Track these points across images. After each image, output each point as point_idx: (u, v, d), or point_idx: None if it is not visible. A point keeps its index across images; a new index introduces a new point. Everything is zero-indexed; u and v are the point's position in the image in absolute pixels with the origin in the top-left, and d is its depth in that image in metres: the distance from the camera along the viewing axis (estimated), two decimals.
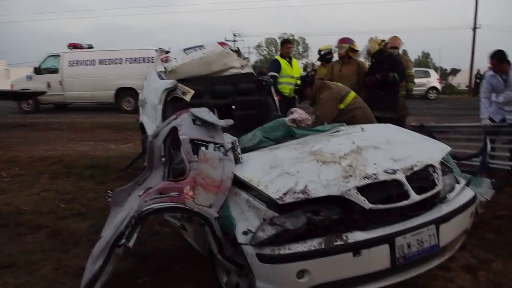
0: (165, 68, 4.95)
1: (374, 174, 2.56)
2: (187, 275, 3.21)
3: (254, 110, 5.09)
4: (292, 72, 6.48)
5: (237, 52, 5.47)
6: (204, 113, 3.19)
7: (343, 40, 6.23)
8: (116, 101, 13.70)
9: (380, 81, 5.55)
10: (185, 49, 5.22)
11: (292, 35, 56.83)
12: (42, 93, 11.98)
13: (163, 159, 3.25)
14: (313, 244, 2.32)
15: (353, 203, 2.44)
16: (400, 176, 2.58)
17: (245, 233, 2.43)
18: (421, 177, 2.69)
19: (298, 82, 6.69)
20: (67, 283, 3.18)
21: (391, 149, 2.96)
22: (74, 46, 14.52)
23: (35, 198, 5.31)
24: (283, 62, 6.47)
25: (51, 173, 6.22)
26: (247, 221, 2.47)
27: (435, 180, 2.71)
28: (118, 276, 2.84)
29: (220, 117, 4.76)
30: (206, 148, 2.84)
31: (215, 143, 2.90)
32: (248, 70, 5.51)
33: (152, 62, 12.96)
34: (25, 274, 3.32)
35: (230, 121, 3.25)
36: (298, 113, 4.04)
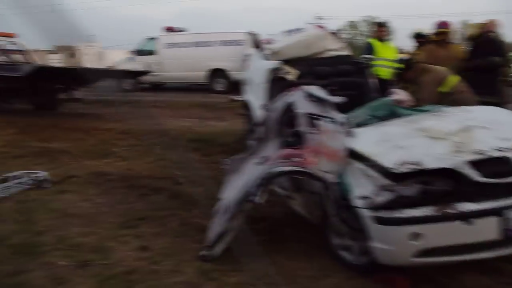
0: (268, 49, 5.32)
1: (485, 150, 2.73)
2: (298, 237, 3.58)
3: (352, 91, 5.29)
4: (387, 54, 6.54)
5: (335, 34, 5.69)
6: (317, 90, 3.50)
7: (442, 24, 6.15)
8: (208, 82, 14.48)
9: (484, 65, 5.47)
10: (286, 32, 5.56)
11: (377, 18, 54.88)
12: (148, 72, 12.94)
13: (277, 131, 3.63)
14: (426, 210, 2.57)
15: (463, 176, 2.64)
16: (510, 154, 2.72)
17: (361, 198, 2.74)
18: None
19: (394, 64, 6.75)
20: (194, 236, 3.70)
21: (499, 129, 3.07)
22: (169, 29, 15.51)
23: (152, 166, 6.03)
24: (377, 45, 6.54)
25: (162, 144, 6.95)
26: (362, 187, 2.78)
27: None
28: (235, 236, 3.23)
29: None
30: (321, 121, 3.17)
31: (329, 118, 3.21)
32: (346, 52, 5.71)
33: (243, 44, 13.63)
34: (157, 226, 3.91)
35: (343, 98, 3.52)
36: (400, 94, 4.21)
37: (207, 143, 6.78)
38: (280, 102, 3.59)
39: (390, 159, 2.74)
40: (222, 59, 13.91)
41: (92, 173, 5.63)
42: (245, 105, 5.75)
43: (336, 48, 5.55)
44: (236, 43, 13.90)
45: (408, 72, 4.83)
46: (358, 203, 2.74)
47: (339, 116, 3.25)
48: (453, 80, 4.61)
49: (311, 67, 5.24)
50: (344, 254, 3.07)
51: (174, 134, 7.39)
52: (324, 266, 3.08)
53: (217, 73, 14.27)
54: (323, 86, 5.19)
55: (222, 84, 14.27)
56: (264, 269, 3.03)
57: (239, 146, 6.58)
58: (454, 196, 2.64)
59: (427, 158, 2.70)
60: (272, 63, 4.94)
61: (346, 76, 5.33)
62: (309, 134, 3.00)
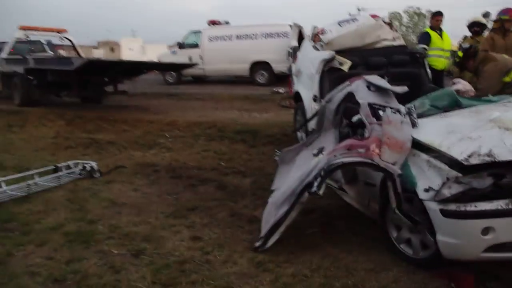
0: (321, 40, 5.17)
1: None
2: (352, 230, 3.45)
3: (407, 81, 5.07)
4: (442, 44, 6.24)
5: (390, 24, 5.47)
6: (378, 80, 3.34)
7: (504, 11, 5.77)
8: (251, 75, 14.42)
9: None
10: (339, 22, 5.39)
11: (419, 8, 53.09)
12: (194, 64, 12.99)
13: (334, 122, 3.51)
14: (499, 204, 2.39)
15: None
16: None
17: (426, 190, 2.58)
18: None
19: (447, 54, 6.42)
20: (244, 227, 3.64)
21: None
22: (213, 23, 15.54)
23: (197, 156, 6.04)
24: (433, 35, 6.25)
25: (207, 136, 6.96)
26: (428, 179, 2.61)
27: None
28: (287, 227, 3.14)
29: None
30: (384, 112, 3.01)
31: (391, 108, 3.05)
32: (401, 42, 5.49)
33: (286, 37, 13.45)
34: (207, 216, 3.87)
35: (405, 88, 3.35)
36: (462, 84, 4.00)
37: (253, 134, 6.72)
38: (340, 92, 3.46)
39: (458, 150, 2.57)
40: (265, 51, 13.78)
41: (139, 164, 5.70)
42: (296, 96, 5.64)
43: (391, 38, 5.35)
44: (280, 35, 13.74)
45: (469, 61, 4.57)
46: (423, 195, 2.58)
47: (402, 106, 3.09)
48: None
49: (365, 58, 5.07)
50: (404, 248, 2.92)
51: (220, 125, 7.36)
52: (381, 260, 2.94)
53: (260, 65, 14.16)
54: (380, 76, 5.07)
55: (265, 76, 14.16)
56: (319, 261, 2.93)
57: (285, 138, 6.50)
58: None
59: (499, 150, 2.50)
60: (325, 54, 4.80)
61: (402, 67, 5.12)
62: (372, 124, 2.85)
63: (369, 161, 2.58)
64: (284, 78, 14.71)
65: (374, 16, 5.51)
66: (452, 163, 2.55)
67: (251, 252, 3.09)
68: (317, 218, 3.75)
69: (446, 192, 2.46)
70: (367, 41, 5.26)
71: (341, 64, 4.80)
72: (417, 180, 2.65)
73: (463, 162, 2.49)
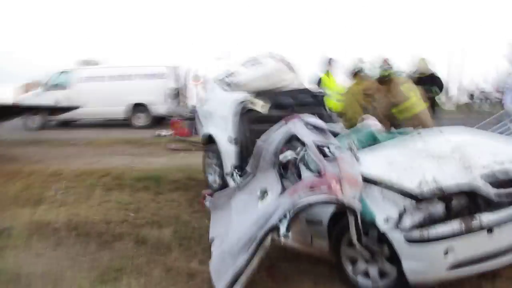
0: (230, 82, 5.24)
1: (489, 164, 2.91)
2: (299, 270, 3.44)
3: None
4: (330, 84, 6.81)
5: (289, 66, 5.80)
6: (314, 118, 3.48)
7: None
8: (128, 117, 13.81)
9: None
10: (243, 63, 5.53)
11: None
12: (77, 107, 11.85)
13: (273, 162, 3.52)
14: (453, 225, 2.63)
15: (477, 189, 2.76)
16: (510, 166, 2.94)
17: (386, 221, 2.72)
18: None
19: (336, 96, 7.01)
20: (188, 281, 3.37)
21: (483, 145, 3.31)
22: (84, 62, 14.63)
23: (100, 209, 5.44)
24: (325, 79, 6.81)
25: (103, 185, 6.34)
26: (384, 210, 2.77)
27: None
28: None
29: None
30: (328, 149, 3.14)
31: (334, 144, 3.19)
32: (300, 84, 5.84)
33: (163, 78, 13.30)
34: (141, 276, 3.49)
35: (342, 126, 3.54)
36: (372, 120, 4.35)
37: (155, 180, 6.33)
38: (277, 132, 3.50)
39: (408, 180, 2.79)
40: (142, 93, 13.41)
41: (31, 223, 4.91)
42: (206, 139, 5.54)
43: (293, 81, 5.66)
44: (156, 76, 13.53)
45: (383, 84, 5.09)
46: (384, 226, 2.72)
47: (345, 143, 3.26)
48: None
49: (274, 98, 5.26)
50: (361, 280, 3.02)
51: (115, 173, 6.81)
52: None
53: (137, 107, 13.68)
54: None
55: (143, 119, 13.71)
56: None
57: (192, 182, 6.29)
58: (473, 208, 2.75)
59: (443, 177, 2.79)
60: (240, 96, 4.87)
61: (306, 107, 5.43)
62: (324, 162, 2.93)
63: (334, 198, 2.63)
64: (163, 120, 14.51)
65: (277, 59, 5.77)
66: (404, 193, 2.76)
67: None
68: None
69: (410, 221, 2.63)
70: (272, 83, 5.48)
71: (254, 105, 4.90)
72: (374, 212, 2.79)
73: (417, 191, 2.70)
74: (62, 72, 14.25)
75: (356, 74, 6.75)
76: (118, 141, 11.04)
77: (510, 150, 3.22)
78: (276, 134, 3.51)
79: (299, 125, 3.39)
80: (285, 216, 2.66)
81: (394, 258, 2.78)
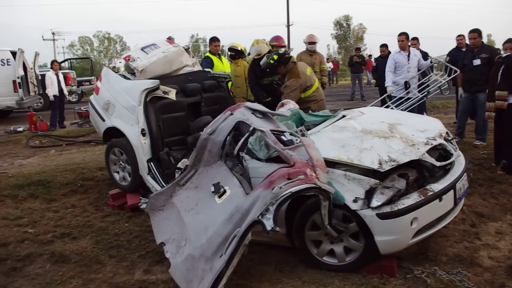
0: (133, 68, 4.77)
1: (429, 140, 3.25)
2: (264, 261, 3.38)
3: (217, 105, 5.27)
4: (224, 68, 6.67)
5: (187, 50, 5.53)
6: (260, 106, 3.39)
7: (277, 38, 6.53)
8: None
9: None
10: (142, 48, 5.09)
11: (108, 33, 54.80)
12: None
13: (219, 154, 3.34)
14: (414, 197, 2.89)
15: (424, 163, 3.07)
16: (442, 141, 3.33)
17: (355, 201, 2.86)
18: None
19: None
20: None
21: (409, 124, 3.64)
22: None
23: None
24: (214, 59, 6.63)
25: None
26: (351, 191, 2.90)
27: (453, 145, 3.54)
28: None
29: (192, 114, 4.92)
30: (284, 136, 3.11)
31: (288, 131, 3.17)
32: (199, 67, 5.64)
33: (8, 64, 11.40)
34: None
35: (289, 111, 3.51)
36: (292, 104, 4.42)
37: (44, 186, 5.48)
38: (224, 123, 3.31)
39: (368, 161, 2.95)
40: None
41: None
42: (108, 132, 4.97)
43: (191, 64, 5.43)
44: (1, 63, 11.57)
45: (280, 66, 5.15)
46: (354, 206, 2.84)
47: (299, 128, 3.26)
48: (313, 88, 5.20)
49: (180, 84, 4.96)
50: (327, 259, 3.14)
51: None
52: (317, 278, 3.05)
53: None
54: (195, 103, 5.06)
55: None
56: None
57: (90, 183, 5.63)
58: (421, 181, 3.05)
59: (396, 155, 3.02)
60: (148, 83, 4.45)
61: (211, 92, 5.28)
62: (287, 150, 2.89)
63: (313, 185, 2.63)
64: (11, 114, 12.55)
65: (170, 42, 5.44)
66: (367, 172, 2.92)
67: None
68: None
69: (382, 198, 2.79)
70: (174, 68, 5.17)
71: (165, 93, 4.57)
72: (342, 193, 2.88)
73: (379, 169, 2.88)
74: None
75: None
76: None
77: (433, 127, 3.62)
78: (223, 125, 3.32)
79: (247, 114, 3.26)
80: (267, 210, 2.56)
81: (361, 234, 2.95)
